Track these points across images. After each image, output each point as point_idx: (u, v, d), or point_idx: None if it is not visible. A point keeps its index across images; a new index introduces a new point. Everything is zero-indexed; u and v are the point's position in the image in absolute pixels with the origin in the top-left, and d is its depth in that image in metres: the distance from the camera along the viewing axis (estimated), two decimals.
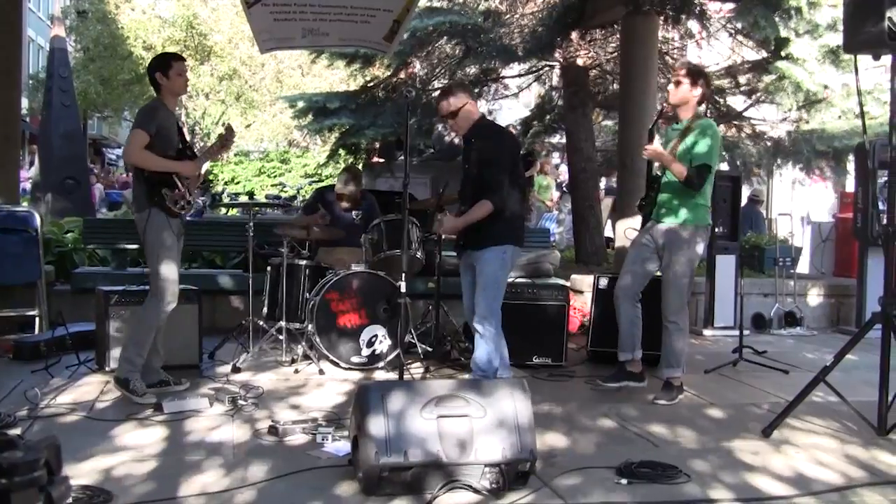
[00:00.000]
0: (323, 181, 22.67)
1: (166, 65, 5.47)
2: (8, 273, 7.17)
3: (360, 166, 11.99)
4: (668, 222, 5.64)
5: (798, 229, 11.63)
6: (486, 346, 5.22)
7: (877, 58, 5.08)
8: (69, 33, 26.28)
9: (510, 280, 6.88)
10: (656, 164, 5.75)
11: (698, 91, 5.61)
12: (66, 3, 31.69)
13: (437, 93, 11.85)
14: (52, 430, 4.57)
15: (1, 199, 7.51)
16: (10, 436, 2.22)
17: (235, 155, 30.59)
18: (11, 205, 7.62)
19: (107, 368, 5.93)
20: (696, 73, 5.67)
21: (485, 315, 5.21)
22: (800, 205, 13.50)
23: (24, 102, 22.72)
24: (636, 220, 6.08)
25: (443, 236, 6.32)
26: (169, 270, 5.38)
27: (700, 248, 5.71)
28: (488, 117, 5.58)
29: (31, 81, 27.72)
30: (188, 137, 5.60)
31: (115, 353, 5.89)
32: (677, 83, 5.59)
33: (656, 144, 5.58)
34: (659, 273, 5.83)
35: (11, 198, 7.78)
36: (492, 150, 5.29)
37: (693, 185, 5.48)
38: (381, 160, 12.73)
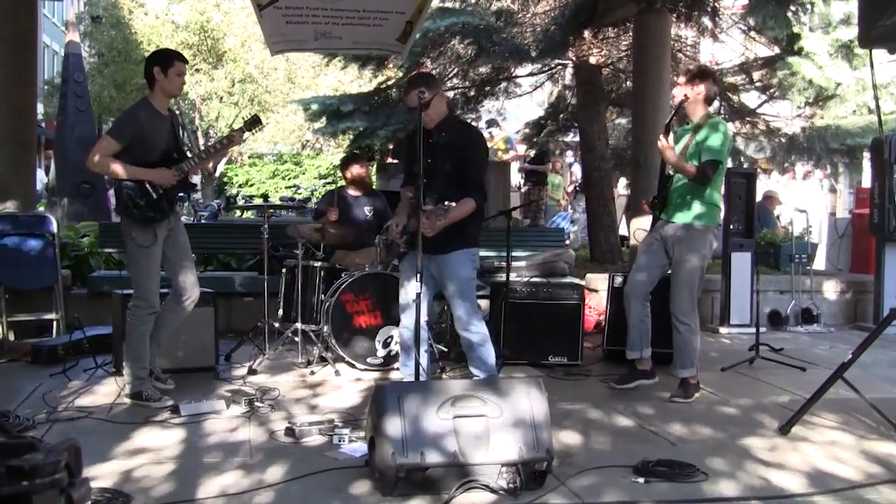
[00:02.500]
0: (337, 182, 22.73)
1: (168, 61, 5.28)
2: (25, 278, 7.22)
3: (373, 167, 12.00)
4: (679, 221, 5.62)
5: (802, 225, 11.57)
6: (483, 345, 5.23)
7: (892, 52, 5.07)
8: (83, 39, 26.44)
9: (525, 279, 6.89)
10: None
11: (701, 88, 5.59)
12: (81, 9, 31.86)
13: (449, 92, 11.94)
14: (71, 432, 4.60)
15: (18, 203, 7.55)
16: (31, 438, 2.24)
17: (249, 157, 30.74)
18: (28, 210, 7.66)
19: (124, 371, 5.95)
20: (697, 75, 5.66)
21: (472, 319, 5.18)
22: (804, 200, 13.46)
23: (40, 108, 22.88)
24: (650, 219, 6.06)
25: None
26: (147, 278, 5.30)
27: (710, 248, 5.69)
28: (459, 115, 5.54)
29: (46, 87, 27.90)
30: (202, 140, 5.48)
31: None
32: (684, 96, 5.59)
33: (670, 142, 5.58)
34: (669, 272, 5.81)
35: (29, 203, 7.82)
36: (476, 148, 5.25)
37: (702, 182, 5.48)
38: (395, 161, 12.74)
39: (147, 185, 5.22)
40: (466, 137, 5.26)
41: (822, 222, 11.05)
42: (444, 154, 5.11)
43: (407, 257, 5.34)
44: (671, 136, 5.67)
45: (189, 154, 5.54)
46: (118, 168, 5.16)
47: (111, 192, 12.50)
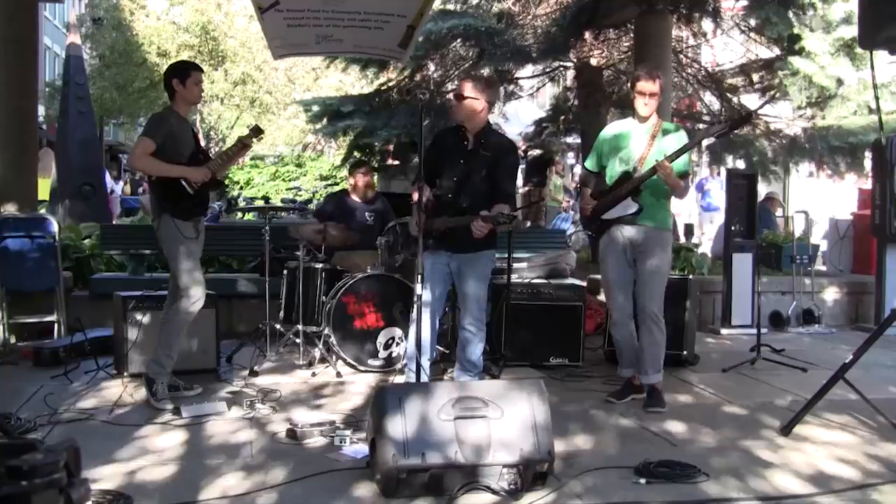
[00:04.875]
0: (338, 184, 22.73)
1: (184, 73, 5.54)
2: (27, 280, 7.22)
3: (374, 168, 11.97)
4: (652, 226, 5.52)
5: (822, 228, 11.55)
6: (481, 343, 5.45)
7: (893, 53, 5.05)
8: (85, 41, 26.44)
9: (527, 280, 6.90)
10: (632, 166, 5.49)
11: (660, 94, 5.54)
12: (82, 11, 31.88)
13: (451, 94, 11.93)
14: (72, 434, 4.59)
15: (19, 206, 7.55)
16: (30, 439, 2.24)
17: (251, 160, 30.76)
18: (29, 212, 7.67)
19: (125, 373, 5.96)
20: (661, 77, 5.57)
21: (483, 317, 5.42)
22: (819, 202, 13.39)
23: (41, 110, 22.88)
24: None
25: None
26: (191, 271, 5.43)
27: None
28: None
29: (47, 89, 27.90)
30: (203, 142, 5.71)
31: (134, 357, 5.96)
32: (653, 95, 5.41)
33: (636, 140, 5.54)
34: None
35: (30, 205, 7.83)
36: (515, 164, 5.62)
37: (683, 196, 5.67)
38: (396, 162, 12.73)
39: (182, 182, 5.39)
40: (500, 152, 5.45)
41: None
42: (480, 162, 5.32)
43: (429, 256, 5.37)
44: (616, 133, 5.68)
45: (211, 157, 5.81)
46: (159, 165, 5.36)
47: (117, 195, 12.51)
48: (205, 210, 5.67)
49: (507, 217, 4.98)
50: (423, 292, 5.21)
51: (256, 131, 5.85)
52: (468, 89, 5.32)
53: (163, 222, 5.40)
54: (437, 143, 5.71)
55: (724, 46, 12.53)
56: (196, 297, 5.44)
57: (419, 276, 4.81)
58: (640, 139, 5.53)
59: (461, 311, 5.46)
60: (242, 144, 5.79)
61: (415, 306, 4.87)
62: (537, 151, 15.00)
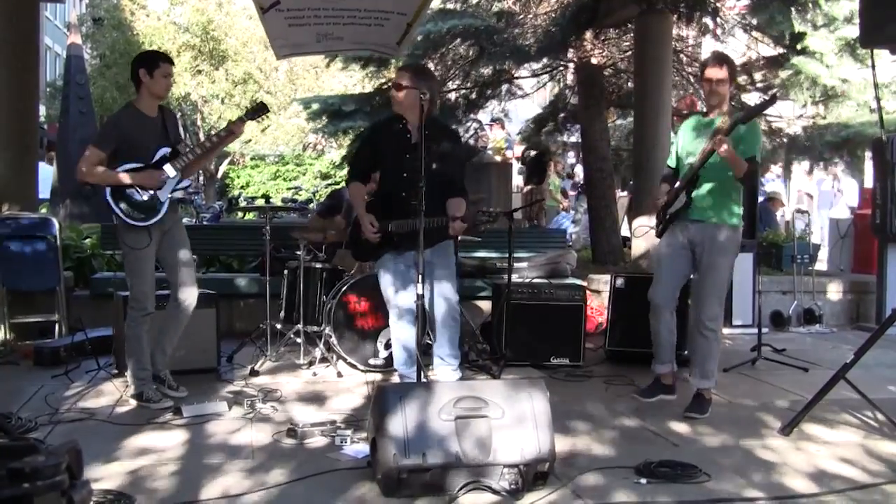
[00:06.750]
0: (339, 182, 22.74)
1: (153, 63, 5.27)
2: (28, 279, 7.22)
3: None
4: (712, 222, 5.27)
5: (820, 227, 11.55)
6: (458, 329, 5.37)
7: (894, 52, 5.04)
8: (85, 41, 26.44)
9: (528, 280, 6.89)
10: (694, 159, 5.26)
11: (730, 83, 5.31)
12: (83, 11, 31.89)
13: (451, 94, 11.94)
14: (73, 434, 4.59)
15: (20, 206, 7.55)
16: (32, 440, 2.24)
17: (252, 159, 30.78)
18: (30, 212, 7.67)
19: (126, 373, 5.95)
20: (727, 60, 5.31)
21: (457, 305, 5.33)
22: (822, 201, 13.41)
23: (42, 110, 22.88)
24: (651, 219, 5.93)
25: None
26: (139, 280, 5.33)
27: (737, 251, 5.44)
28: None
29: (48, 89, 27.89)
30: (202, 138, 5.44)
31: None
32: (720, 82, 5.19)
33: (686, 133, 5.39)
34: (692, 277, 5.55)
35: (30, 205, 7.83)
36: (461, 150, 5.56)
37: (747, 180, 5.25)
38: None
39: (136, 188, 5.23)
40: (452, 139, 5.44)
41: None
42: (434, 154, 5.11)
43: (394, 259, 5.33)
44: (685, 126, 5.49)
45: (185, 150, 5.44)
46: (103, 176, 5.19)
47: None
48: (158, 215, 5.32)
49: (491, 215, 4.85)
50: (398, 297, 5.28)
51: (256, 111, 5.43)
52: (406, 79, 5.19)
53: (118, 230, 5.31)
54: (375, 138, 5.52)
55: (726, 45, 12.52)
56: (145, 305, 5.36)
57: (419, 276, 4.78)
58: (706, 131, 5.26)
59: (436, 305, 5.24)
60: (229, 131, 5.41)
61: (415, 306, 4.87)
62: (534, 152, 14.99)
